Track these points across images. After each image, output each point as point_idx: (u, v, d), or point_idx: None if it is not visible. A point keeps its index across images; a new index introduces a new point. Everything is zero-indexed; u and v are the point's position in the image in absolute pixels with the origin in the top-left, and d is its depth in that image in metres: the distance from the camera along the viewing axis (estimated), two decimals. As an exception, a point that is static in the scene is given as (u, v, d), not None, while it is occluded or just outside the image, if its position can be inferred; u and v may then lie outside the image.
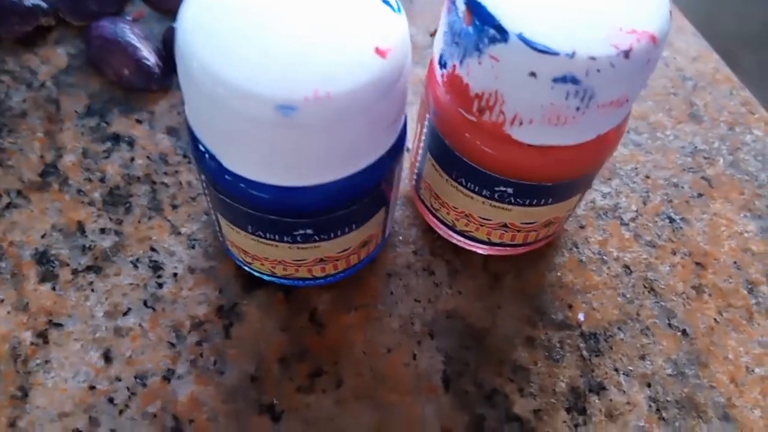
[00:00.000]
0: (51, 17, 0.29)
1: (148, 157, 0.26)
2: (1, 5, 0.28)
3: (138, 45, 0.28)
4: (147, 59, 0.28)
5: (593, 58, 0.16)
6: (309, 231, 0.19)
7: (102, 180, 0.26)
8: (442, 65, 0.19)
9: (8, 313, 0.23)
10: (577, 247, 0.25)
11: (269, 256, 0.21)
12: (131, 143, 0.26)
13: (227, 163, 0.17)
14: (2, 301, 0.23)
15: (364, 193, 0.19)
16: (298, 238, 0.20)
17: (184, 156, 0.26)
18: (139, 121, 0.27)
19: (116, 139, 0.27)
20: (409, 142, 0.26)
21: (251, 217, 0.19)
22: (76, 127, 0.27)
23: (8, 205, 0.25)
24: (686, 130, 0.29)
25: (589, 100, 0.17)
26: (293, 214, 0.19)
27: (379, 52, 0.16)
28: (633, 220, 0.26)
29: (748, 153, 0.28)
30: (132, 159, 0.26)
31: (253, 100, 0.15)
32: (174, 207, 0.25)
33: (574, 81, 0.16)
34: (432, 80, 0.20)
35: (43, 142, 0.26)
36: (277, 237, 0.20)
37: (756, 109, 0.30)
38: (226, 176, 0.18)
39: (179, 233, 0.25)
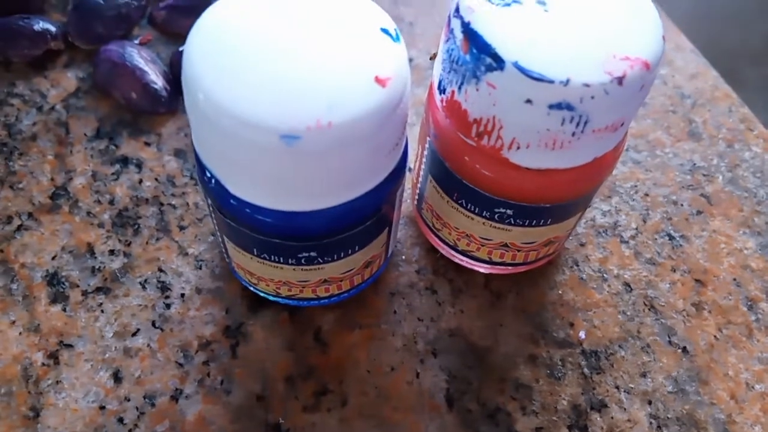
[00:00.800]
0: (60, 41, 0.30)
1: (156, 179, 0.27)
2: (12, 29, 0.29)
3: (145, 68, 0.28)
4: (154, 83, 0.28)
5: (587, 85, 0.16)
6: (313, 254, 0.20)
7: (111, 202, 0.26)
8: (441, 90, 0.19)
9: (20, 334, 0.23)
10: (578, 265, 0.25)
11: (274, 277, 0.21)
12: (139, 165, 0.27)
13: (233, 189, 0.18)
14: (14, 322, 0.23)
15: (366, 217, 0.19)
16: (302, 261, 0.20)
17: (191, 177, 0.27)
18: (147, 144, 0.28)
19: (125, 161, 0.27)
20: (411, 162, 0.27)
21: (256, 240, 0.19)
22: (85, 150, 0.27)
23: (19, 227, 0.25)
24: (685, 148, 0.29)
25: (585, 125, 0.17)
26: (297, 237, 0.19)
27: (379, 81, 0.16)
28: (633, 237, 0.26)
29: (747, 170, 0.28)
30: (140, 181, 0.27)
31: (258, 130, 0.15)
32: (181, 228, 0.26)
33: (569, 107, 0.17)
34: (432, 104, 0.21)
35: (54, 165, 0.27)
36: (281, 259, 0.20)
37: (754, 126, 0.30)
38: (232, 201, 0.18)
39: (186, 254, 0.25)
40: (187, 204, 0.26)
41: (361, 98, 0.16)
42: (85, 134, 0.28)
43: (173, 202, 0.26)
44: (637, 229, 0.27)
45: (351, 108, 0.16)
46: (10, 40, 0.29)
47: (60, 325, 0.23)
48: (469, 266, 0.25)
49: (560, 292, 0.25)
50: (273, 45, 0.16)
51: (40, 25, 0.29)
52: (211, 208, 0.20)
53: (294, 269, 0.21)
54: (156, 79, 0.28)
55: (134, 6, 0.31)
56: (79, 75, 0.30)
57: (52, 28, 0.30)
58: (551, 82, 0.16)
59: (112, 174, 0.27)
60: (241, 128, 0.16)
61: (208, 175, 0.19)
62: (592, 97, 0.16)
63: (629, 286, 0.25)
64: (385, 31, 0.17)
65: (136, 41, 0.31)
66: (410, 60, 0.31)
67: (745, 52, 1.11)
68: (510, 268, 0.24)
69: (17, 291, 0.24)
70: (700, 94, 0.31)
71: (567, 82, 0.16)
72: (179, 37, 0.31)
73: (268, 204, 0.18)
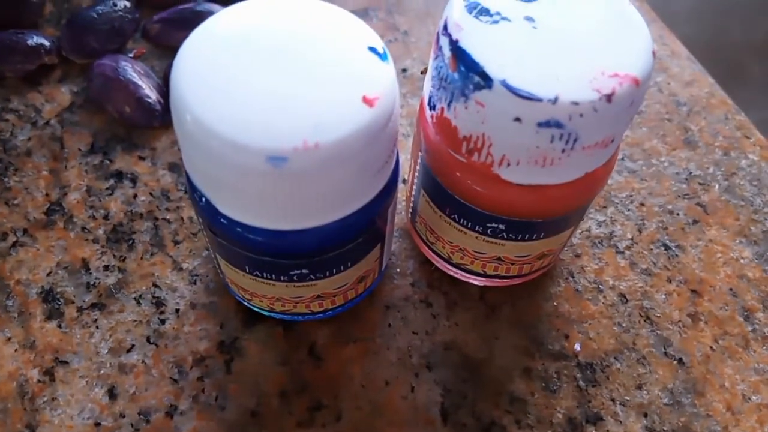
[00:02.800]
0: (54, 55, 0.30)
1: (150, 194, 0.27)
2: (5, 44, 0.29)
3: (139, 82, 0.28)
4: (148, 96, 0.28)
5: (576, 103, 0.16)
6: (305, 271, 0.20)
7: (106, 217, 0.26)
8: (431, 107, 0.19)
9: (15, 351, 0.23)
10: (573, 277, 0.25)
11: (267, 293, 0.21)
12: (134, 180, 0.27)
13: (222, 208, 0.18)
14: (9, 339, 0.23)
15: (357, 233, 0.19)
16: (295, 278, 0.20)
17: (186, 192, 0.27)
18: (141, 158, 0.28)
19: (119, 176, 0.27)
20: (406, 174, 0.27)
21: (247, 258, 0.19)
22: (80, 165, 0.27)
23: (14, 244, 0.25)
24: (681, 156, 0.29)
25: (574, 142, 0.17)
26: (288, 255, 0.19)
27: (367, 101, 0.16)
28: (628, 248, 0.26)
29: (744, 178, 0.28)
30: (135, 196, 0.27)
31: (245, 152, 0.15)
32: (176, 243, 0.26)
33: (558, 125, 0.17)
34: (423, 120, 0.21)
35: (48, 181, 0.27)
36: (273, 276, 0.20)
37: (751, 134, 0.30)
38: (222, 220, 0.18)
39: (181, 269, 0.25)
40: (182, 218, 0.26)
41: (348, 119, 0.16)
42: (79, 149, 0.28)
43: (168, 217, 0.26)
44: (632, 239, 0.26)
45: (338, 128, 0.16)
46: (3, 55, 0.29)
47: (55, 342, 0.23)
48: (463, 279, 0.25)
49: (555, 303, 0.25)
50: (261, 65, 0.16)
51: (34, 39, 0.29)
52: (202, 226, 0.20)
53: (286, 286, 0.21)
54: (150, 92, 0.28)
55: (128, 19, 0.31)
56: (73, 89, 0.30)
57: (46, 43, 0.30)
58: (539, 100, 0.16)
59: (107, 189, 0.27)
60: (228, 150, 0.16)
61: (198, 193, 0.19)
62: (581, 115, 0.16)
63: (625, 297, 0.25)
64: (372, 50, 0.17)
65: (130, 55, 0.31)
66: (405, 70, 0.31)
67: (750, 47, 1.10)
68: (505, 280, 0.24)
69: (12, 307, 0.24)
70: (696, 102, 0.31)
71: (555, 100, 0.16)
72: (173, 50, 0.31)
73: (257, 223, 0.18)
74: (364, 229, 0.20)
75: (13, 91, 0.29)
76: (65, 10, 0.32)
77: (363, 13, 0.33)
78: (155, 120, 0.28)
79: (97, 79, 0.28)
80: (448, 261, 0.24)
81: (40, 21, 0.32)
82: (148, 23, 0.31)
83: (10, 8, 0.31)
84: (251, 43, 0.17)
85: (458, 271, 0.24)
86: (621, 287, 0.25)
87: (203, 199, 0.18)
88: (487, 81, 0.17)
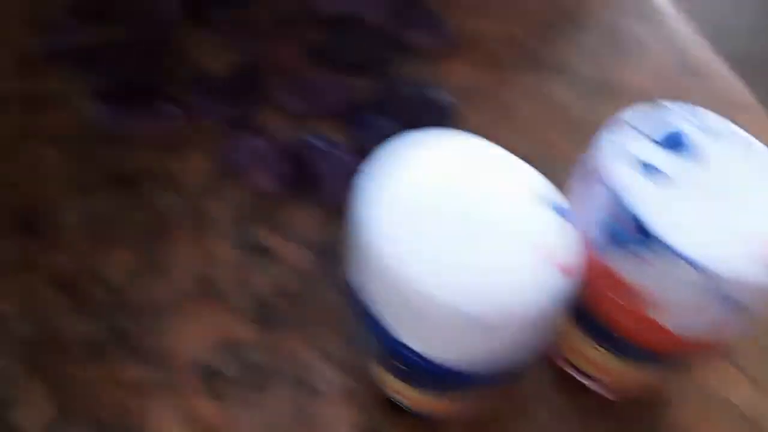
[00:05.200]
0: (187, 121, 0.32)
1: (292, 271, 0.28)
2: (138, 108, 0.31)
3: (272, 154, 0.31)
4: (279, 170, 0.30)
5: (745, 279, 0.17)
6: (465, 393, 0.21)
7: (252, 293, 0.28)
8: (596, 248, 0.20)
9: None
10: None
11: (425, 402, 0.23)
12: (274, 256, 0.28)
13: (406, 339, 0.19)
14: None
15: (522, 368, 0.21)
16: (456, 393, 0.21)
17: (324, 272, 0.28)
18: (277, 232, 0.29)
19: (261, 250, 0.29)
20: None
21: (418, 378, 0.21)
22: (222, 238, 0.29)
23: (163, 315, 0.27)
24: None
25: (741, 313, 0.18)
26: (459, 386, 0.21)
27: (562, 269, 0.17)
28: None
29: None
30: (277, 272, 0.28)
31: (451, 312, 0.17)
32: (318, 324, 0.27)
33: (729, 299, 0.17)
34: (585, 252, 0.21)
35: (195, 250, 0.28)
36: (437, 392, 0.21)
37: None
38: (404, 351, 0.19)
39: (323, 351, 0.26)
40: (322, 299, 0.28)
41: (543, 287, 0.17)
42: (219, 220, 0.29)
43: (305, 295, 0.28)
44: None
45: (535, 297, 0.17)
46: (138, 117, 0.31)
47: (211, 416, 0.25)
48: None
49: None
50: (452, 220, 0.18)
51: (166, 104, 0.31)
52: (369, 343, 0.22)
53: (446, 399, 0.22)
54: (281, 165, 0.30)
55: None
56: (208, 157, 0.31)
57: (178, 108, 0.32)
58: (710, 270, 0.17)
59: (252, 263, 0.28)
60: (431, 307, 0.17)
61: (374, 317, 0.20)
62: (753, 291, 0.17)
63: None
64: (556, 208, 0.18)
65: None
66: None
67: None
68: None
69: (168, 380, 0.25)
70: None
71: (724, 274, 0.17)
72: (299, 119, 0.33)
73: (439, 359, 0.19)
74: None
75: (149, 156, 0.31)
76: (194, 71, 0.34)
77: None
78: (288, 190, 0.30)
79: (235, 151, 0.30)
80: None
81: (171, 81, 0.33)
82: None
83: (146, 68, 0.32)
84: (436, 201, 0.18)
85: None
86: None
87: (379, 324, 0.19)
88: (656, 244, 0.18)
